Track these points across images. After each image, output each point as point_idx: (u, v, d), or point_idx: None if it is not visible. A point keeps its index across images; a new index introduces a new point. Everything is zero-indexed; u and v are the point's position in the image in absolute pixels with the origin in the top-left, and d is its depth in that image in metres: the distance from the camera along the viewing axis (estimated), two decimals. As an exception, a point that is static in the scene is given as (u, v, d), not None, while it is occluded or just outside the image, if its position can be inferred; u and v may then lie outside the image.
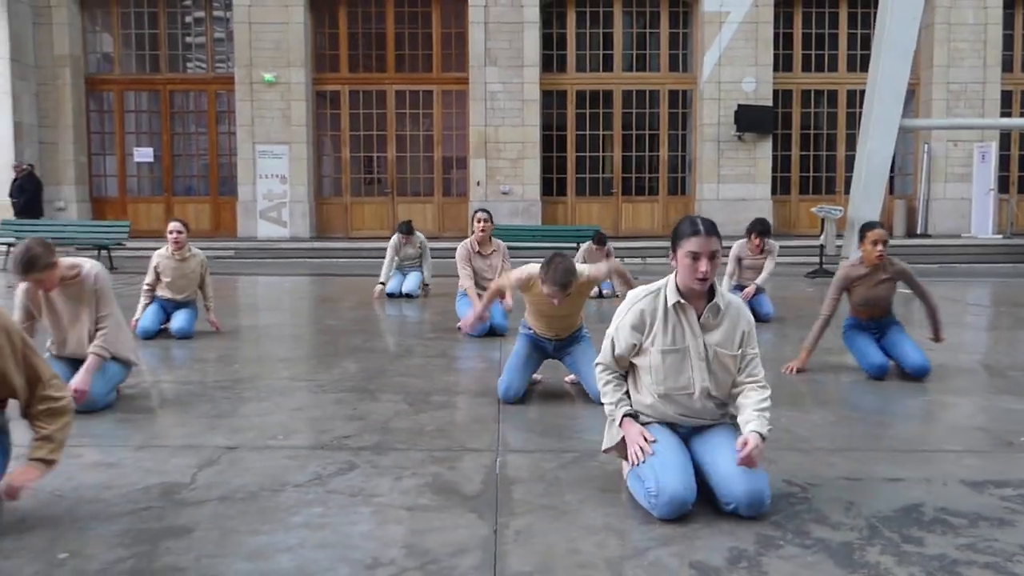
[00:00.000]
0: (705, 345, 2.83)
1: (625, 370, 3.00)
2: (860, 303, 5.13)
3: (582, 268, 4.21)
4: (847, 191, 16.74)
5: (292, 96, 16.19)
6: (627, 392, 2.98)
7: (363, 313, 7.91)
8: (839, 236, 12.38)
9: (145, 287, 6.43)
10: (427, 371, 5.01)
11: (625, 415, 2.88)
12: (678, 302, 2.84)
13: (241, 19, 16.07)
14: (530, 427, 3.80)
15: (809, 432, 3.77)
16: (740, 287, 7.80)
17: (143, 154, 16.85)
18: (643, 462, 2.72)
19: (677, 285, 2.85)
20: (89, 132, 16.87)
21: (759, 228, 7.75)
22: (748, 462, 2.62)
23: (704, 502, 2.72)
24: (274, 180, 16.24)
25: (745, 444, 2.64)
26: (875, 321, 5.17)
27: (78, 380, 3.96)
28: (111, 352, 4.13)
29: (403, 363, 5.34)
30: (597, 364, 3.03)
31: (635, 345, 2.88)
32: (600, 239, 9.15)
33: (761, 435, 2.70)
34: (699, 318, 2.85)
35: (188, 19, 16.93)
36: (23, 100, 15.68)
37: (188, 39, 17.04)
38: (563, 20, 16.89)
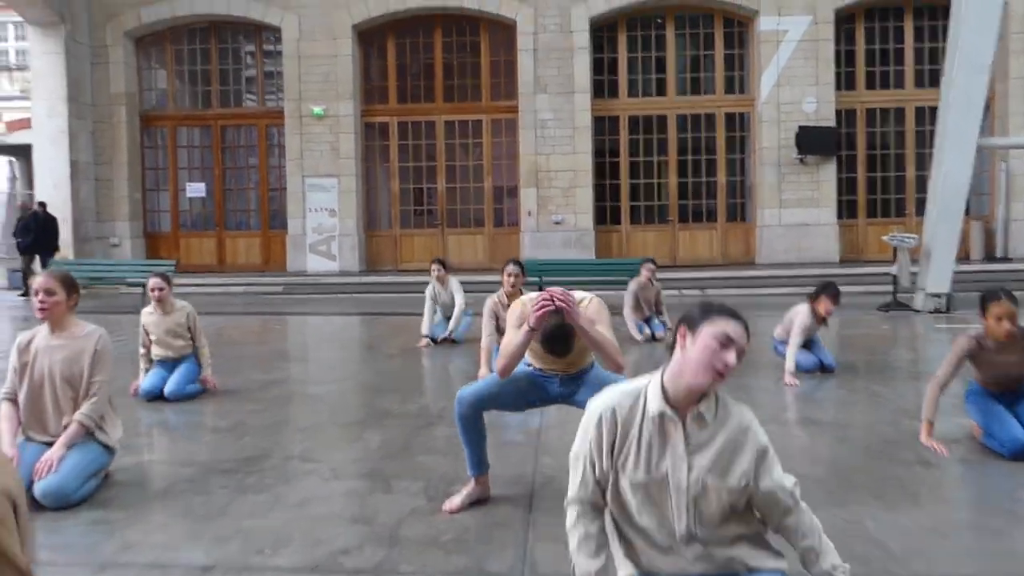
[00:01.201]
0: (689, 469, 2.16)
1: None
2: (989, 379, 4.53)
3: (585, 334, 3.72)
4: (918, 212, 15.93)
5: (341, 128, 16.08)
6: (603, 533, 2.30)
7: (403, 364, 7.56)
8: (914, 263, 11.63)
9: (141, 350, 6.24)
10: (456, 446, 4.56)
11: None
12: (663, 413, 2.17)
13: (290, 53, 16.07)
14: (565, 534, 3.32)
15: (909, 545, 3.13)
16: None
17: (195, 189, 16.92)
18: None
19: (664, 386, 2.20)
20: (143, 168, 17.02)
21: (833, 291, 6.60)
22: None
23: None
24: (323, 213, 16.13)
25: None
26: (1010, 392, 4.52)
27: (50, 452, 3.68)
28: (96, 423, 3.84)
29: (431, 434, 4.95)
30: (567, 504, 2.33)
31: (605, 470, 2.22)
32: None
33: None
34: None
35: (239, 54, 17.00)
36: (80, 139, 15.88)
37: (239, 74, 17.11)
38: (614, 44, 16.48)
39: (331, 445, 4.75)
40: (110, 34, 16.28)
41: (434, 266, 8.67)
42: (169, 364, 6.17)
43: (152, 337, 6.21)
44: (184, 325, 6.22)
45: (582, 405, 3.65)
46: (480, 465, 3.70)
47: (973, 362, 4.53)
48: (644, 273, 9.06)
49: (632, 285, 9.02)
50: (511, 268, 6.66)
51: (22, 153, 25.34)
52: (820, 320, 6.59)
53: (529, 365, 3.70)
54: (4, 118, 24.98)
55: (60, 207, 15.50)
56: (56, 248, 14.99)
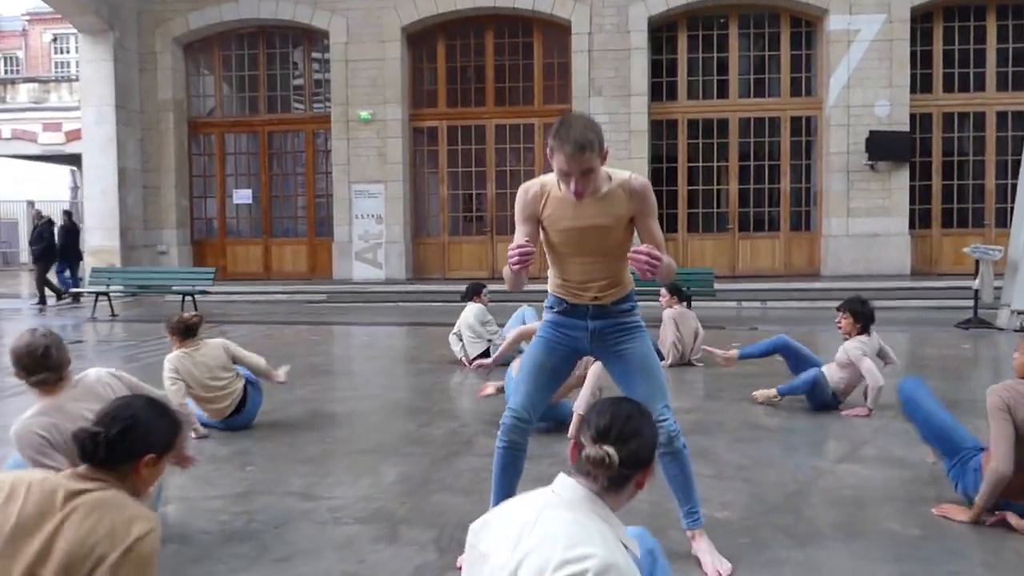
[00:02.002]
0: None
1: None
2: None
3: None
4: (998, 224, 14.92)
5: (388, 133, 15.66)
6: None
7: (438, 379, 6.99)
8: (998, 277, 10.68)
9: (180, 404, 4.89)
10: (479, 481, 4.00)
11: None
12: None
13: (338, 57, 15.72)
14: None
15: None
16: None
17: (242, 196, 16.68)
18: None
19: None
20: (191, 175, 16.85)
21: (860, 309, 5.73)
22: None
23: None
24: (370, 220, 15.71)
25: None
26: None
27: None
28: None
29: (454, 466, 4.36)
30: None
31: None
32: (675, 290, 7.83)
33: None
34: None
35: (287, 59, 16.72)
36: (128, 146, 15.76)
37: (286, 79, 16.85)
38: (673, 45, 15.76)
39: (339, 479, 4.19)
40: (159, 40, 16.15)
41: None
42: (222, 423, 5.19)
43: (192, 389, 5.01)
44: (221, 359, 5.17)
45: (619, 376, 3.10)
46: None
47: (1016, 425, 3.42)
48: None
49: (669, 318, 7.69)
50: None
51: (81, 163, 25.68)
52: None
53: (556, 305, 3.09)
54: (64, 128, 25.24)
55: (108, 214, 15.41)
56: (80, 257, 15.01)
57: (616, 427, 1.87)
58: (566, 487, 1.86)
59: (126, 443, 2.02)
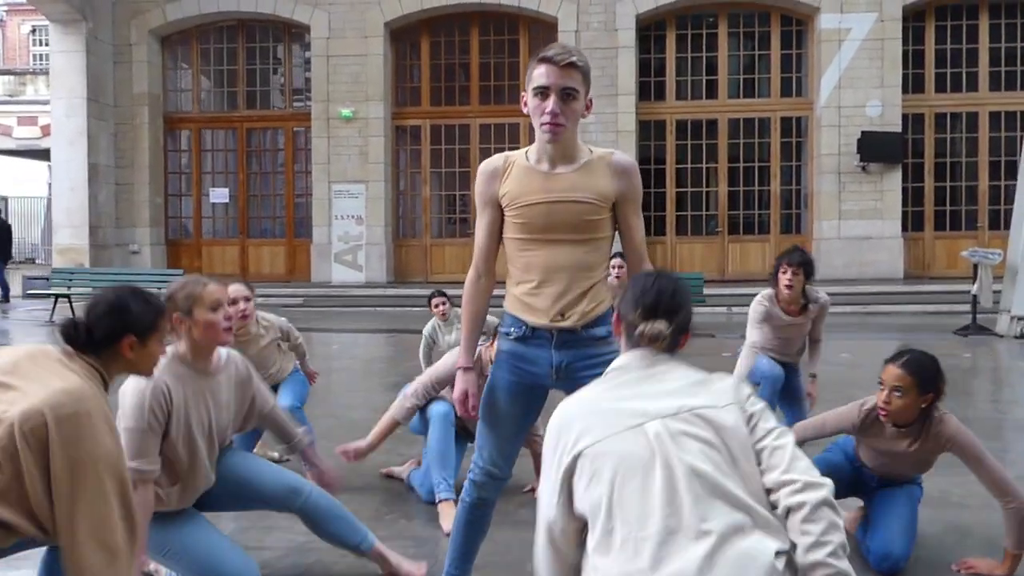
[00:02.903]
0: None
1: None
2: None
3: None
4: (992, 226, 14.69)
5: (370, 132, 15.25)
6: None
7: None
8: (996, 280, 10.39)
9: None
10: (437, 529, 3.59)
11: None
12: None
13: (319, 52, 15.29)
14: None
15: None
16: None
17: (219, 195, 16.22)
18: None
19: None
20: (166, 172, 16.37)
21: (798, 259, 4.61)
22: None
23: None
24: (350, 221, 15.29)
25: None
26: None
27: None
28: None
29: (411, 509, 3.90)
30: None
31: None
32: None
33: None
34: None
35: (267, 54, 16.27)
36: (100, 140, 15.26)
37: (266, 75, 16.41)
38: (662, 44, 15.42)
39: (274, 522, 3.49)
40: (134, 32, 15.66)
41: (436, 300, 6.50)
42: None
43: None
44: (274, 351, 4.65)
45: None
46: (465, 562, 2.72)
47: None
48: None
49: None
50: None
51: (56, 157, 25.09)
52: (786, 304, 4.64)
53: (512, 327, 2.54)
54: (40, 122, 24.68)
55: (77, 212, 14.91)
56: (8, 256, 14.61)
57: (663, 303, 1.99)
58: (641, 356, 1.99)
59: (104, 327, 2.12)
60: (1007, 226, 14.31)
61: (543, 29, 15.30)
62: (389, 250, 15.49)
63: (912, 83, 14.85)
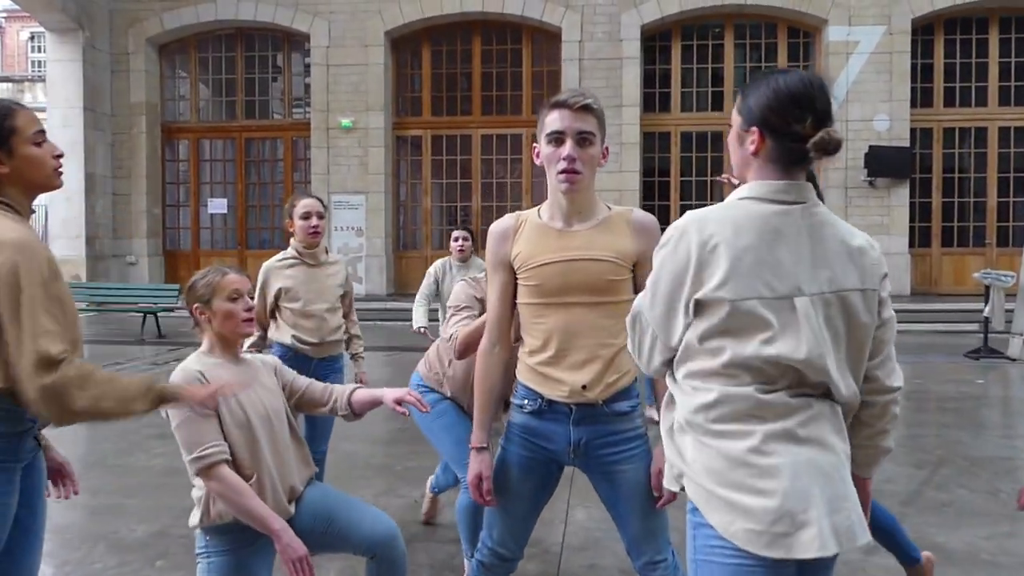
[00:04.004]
0: None
1: None
2: None
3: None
4: (1000, 243, 14.49)
5: (370, 142, 15.04)
6: None
7: (404, 425, 6.21)
8: (1008, 299, 10.17)
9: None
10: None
11: None
12: None
13: (319, 61, 15.09)
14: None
15: None
16: None
17: (217, 205, 16.01)
18: None
19: None
20: (164, 183, 16.16)
21: None
22: None
23: None
24: (350, 233, 15.08)
25: None
26: None
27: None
28: None
29: (412, 559, 3.74)
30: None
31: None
32: None
33: None
34: None
35: (266, 63, 16.06)
36: (97, 150, 15.05)
37: (265, 84, 16.20)
38: (667, 55, 15.23)
39: None
40: (131, 41, 15.46)
41: (457, 234, 5.87)
42: (304, 361, 3.85)
43: (291, 304, 3.92)
44: (341, 289, 4.11)
45: (606, 496, 2.36)
46: None
47: None
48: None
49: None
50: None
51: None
52: None
53: (526, 398, 2.33)
54: (38, 128, 24.48)
55: (73, 222, 14.70)
56: None
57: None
58: (802, 190, 1.71)
59: None
60: (1016, 243, 14.17)
61: (546, 39, 15.11)
62: (389, 262, 15.29)
63: (920, 97, 14.66)
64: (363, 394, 2.73)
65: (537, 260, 2.28)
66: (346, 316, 4.19)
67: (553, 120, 2.26)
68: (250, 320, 2.61)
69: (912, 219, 14.61)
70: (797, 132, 1.67)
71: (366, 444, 5.84)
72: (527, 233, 2.33)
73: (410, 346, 10.41)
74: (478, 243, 5.95)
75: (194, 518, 2.47)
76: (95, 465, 5.25)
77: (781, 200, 1.68)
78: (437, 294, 5.96)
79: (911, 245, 14.56)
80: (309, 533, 2.57)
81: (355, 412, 2.73)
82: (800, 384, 1.64)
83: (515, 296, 2.37)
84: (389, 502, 4.51)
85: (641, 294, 1.79)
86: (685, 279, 1.66)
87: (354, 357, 4.33)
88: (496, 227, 2.39)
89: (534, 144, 2.36)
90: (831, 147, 1.66)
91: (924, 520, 4.22)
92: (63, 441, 5.73)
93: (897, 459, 5.38)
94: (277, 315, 3.97)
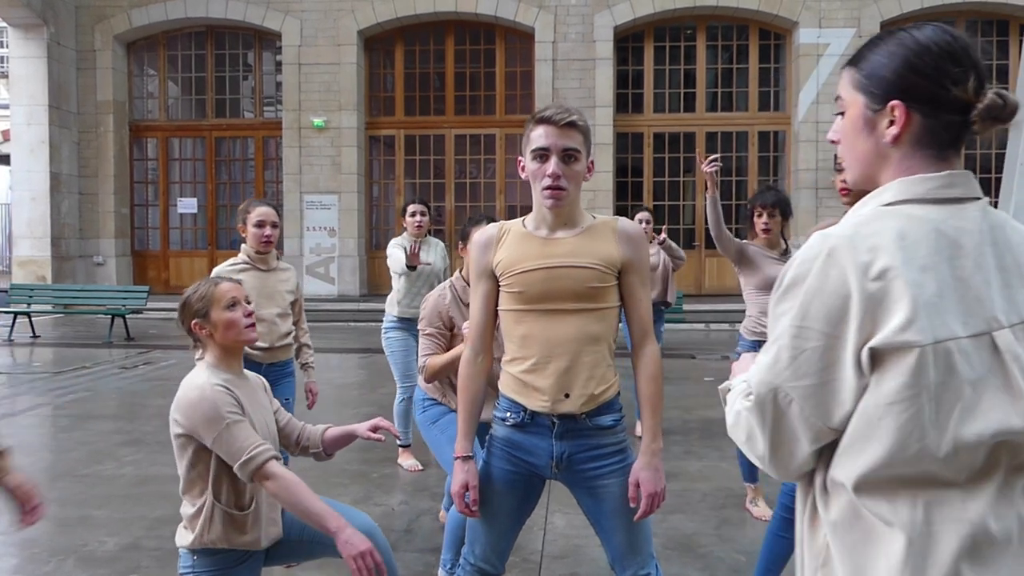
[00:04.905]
0: None
1: None
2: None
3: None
4: (967, 244, 14.68)
5: (343, 142, 14.92)
6: None
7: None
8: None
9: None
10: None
11: None
12: None
13: (290, 60, 14.94)
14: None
15: None
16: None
17: (187, 205, 15.81)
18: None
19: None
20: (132, 182, 15.92)
21: (772, 199, 4.41)
22: None
23: None
24: (322, 233, 14.96)
25: None
26: None
27: None
28: None
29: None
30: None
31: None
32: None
33: None
34: None
35: (237, 61, 15.88)
36: (62, 149, 14.78)
37: (236, 82, 16.01)
38: (639, 56, 15.26)
39: None
40: (98, 38, 15.20)
41: (413, 208, 5.44)
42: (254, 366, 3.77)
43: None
44: (292, 295, 4.12)
45: (590, 510, 2.34)
46: None
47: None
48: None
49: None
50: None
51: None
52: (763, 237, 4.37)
53: (508, 409, 2.30)
54: (1, 127, 24.01)
55: (38, 222, 14.44)
56: None
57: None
58: (967, 180, 1.24)
59: None
60: (983, 243, 14.38)
61: (520, 39, 15.09)
62: (362, 262, 15.19)
63: (889, 99, 14.81)
64: (335, 432, 2.71)
65: (520, 267, 2.26)
66: (296, 323, 4.20)
67: (538, 136, 2.25)
68: (252, 325, 2.55)
69: (881, 220, 14.76)
70: (958, 99, 1.22)
71: (342, 451, 5.77)
72: (510, 241, 2.33)
73: (381, 348, 10.34)
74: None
75: (183, 538, 2.41)
76: (63, 475, 5.15)
77: (948, 199, 1.22)
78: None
79: (880, 245, 14.72)
80: (286, 543, 2.54)
81: (326, 452, 2.70)
82: (1016, 470, 1.15)
83: (497, 305, 2.35)
84: (367, 510, 4.43)
85: (761, 365, 1.24)
86: (847, 322, 1.14)
87: (304, 367, 4.34)
88: (480, 236, 2.39)
89: (519, 157, 2.34)
90: (1006, 112, 1.21)
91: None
92: (32, 450, 5.64)
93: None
94: None
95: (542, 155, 2.24)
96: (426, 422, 3.51)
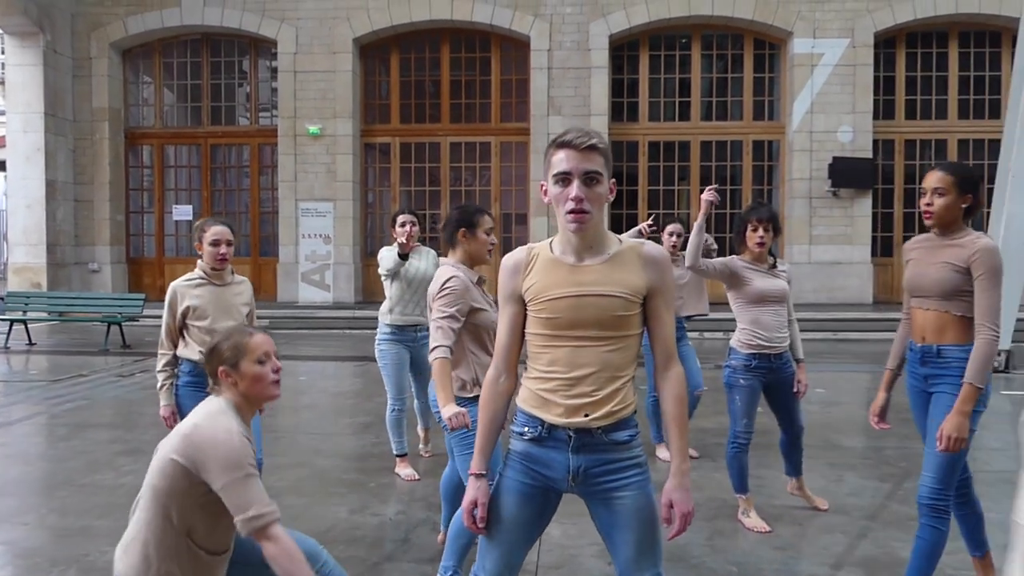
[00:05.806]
0: None
1: None
2: None
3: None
4: (960, 253, 14.75)
5: (338, 149, 14.97)
6: None
7: (377, 438, 6.24)
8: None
9: (163, 354, 4.06)
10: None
11: None
12: None
13: (286, 67, 15.00)
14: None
15: None
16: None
17: (182, 212, 15.82)
18: None
19: None
20: (127, 189, 15.94)
21: (767, 214, 4.49)
22: None
23: None
24: (317, 240, 14.99)
25: None
26: None
27: None
28: None
29: None
30: None
31: None
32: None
33: None
34: None
35: (232, 69, 15.92)
36: (58, 157, 14.81)
37: (231, 90, 16.04)
38: (635, 64, 15.35)
39: None
40: (94, 45, 15.24)
41: (403, 219, 5.25)
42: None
43: (199, 322, 4.00)
44: (247, 308, 4.18)
45: (604, 525, 2.37)
46: None
47: None
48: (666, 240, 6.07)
49: None
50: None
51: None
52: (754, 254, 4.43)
53: (526, 425, 2.36)
54: (-3, 131, 24.00)
55: (33, 229, 14.46)
56: None
57: None
58: None
59: None
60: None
61: (515, 47, 15.16)
62: (357, 270, 15.22)
63: (883, 109, 14.93)
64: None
65: (550, 293, 2.32)
66: None
67: (560, 160, 2.29)
68: (278, 382, 2.55)
69: (875, 229, 14.87)
70: None
71: (339, 460, 5.80)
72: (539, 266, 2.37)
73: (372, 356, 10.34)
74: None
75: None
76: (62, 485, 5.16)
77: None
78: (397, 275, 5.58)
79: (873, 255, 14.81)
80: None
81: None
82: None
83: (524, 327, 2.41)
84: (364, 520, 4.48)
85: None
86: None
87: None
88: (509, 260, 2.43)
89: (542, 183, 2.38)
90: None
91: (888, 534, 4.30)
92: (30, 459, 5.65)
93: (861, 472, 5.47)
94: (185, 333, 4.08)
95: (564, 179, 2.28)
96: (457, 434, 3.47)
